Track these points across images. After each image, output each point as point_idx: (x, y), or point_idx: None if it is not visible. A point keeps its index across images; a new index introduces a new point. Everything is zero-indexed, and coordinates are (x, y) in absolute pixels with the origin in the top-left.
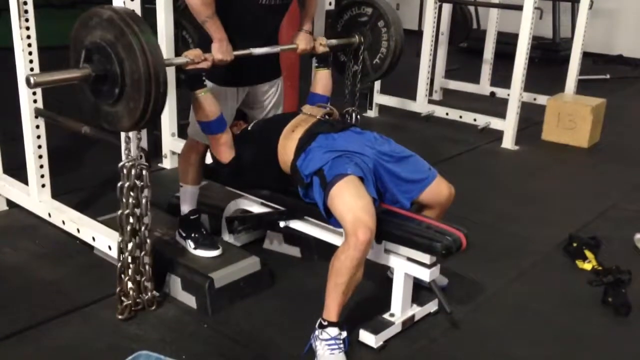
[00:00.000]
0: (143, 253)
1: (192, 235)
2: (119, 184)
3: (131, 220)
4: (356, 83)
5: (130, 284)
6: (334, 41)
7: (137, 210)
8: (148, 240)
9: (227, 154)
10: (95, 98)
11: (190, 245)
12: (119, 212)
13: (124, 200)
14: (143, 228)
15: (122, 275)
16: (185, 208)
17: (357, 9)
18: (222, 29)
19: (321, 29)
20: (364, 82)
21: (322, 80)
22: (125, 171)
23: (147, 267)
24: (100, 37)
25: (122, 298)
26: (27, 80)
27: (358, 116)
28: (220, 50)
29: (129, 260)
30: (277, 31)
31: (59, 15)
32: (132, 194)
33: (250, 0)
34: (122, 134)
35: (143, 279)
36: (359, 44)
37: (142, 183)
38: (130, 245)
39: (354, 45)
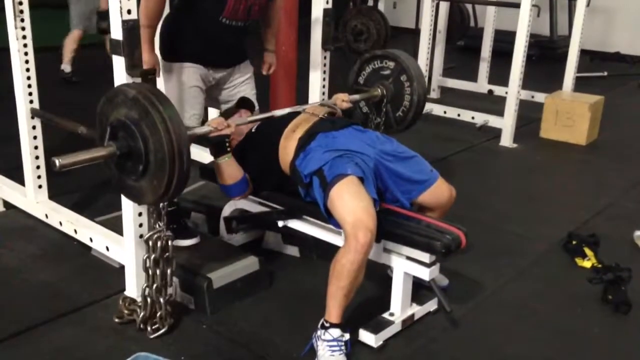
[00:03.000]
0: (165, 323)
1: (170, 226)
2: (144, 257)
3: (161, 293)
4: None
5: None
6: (356, 96)
7: (162, 282)
8: (169, 308)
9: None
10: (119, 173)
11: None
12: (144, 285)
13: (150, 273)
14: (165, 299)
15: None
16: None
17: (380, 62)
18: (150, 44)
19: (319, 28)
20: (387, 134)
21: None
22: (150, 243)
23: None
24: (125, 115)
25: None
26: (53, 164)
27: None
28: (146, 62)
29: (152, 330)
30: (241, 45)
31: (56, 15)
32: (158, 266)
33: (212, 18)
34: (146, 206)
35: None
36: (382, 96)
37: (167, 254)
38: (157, 315)
39: (376, 98)
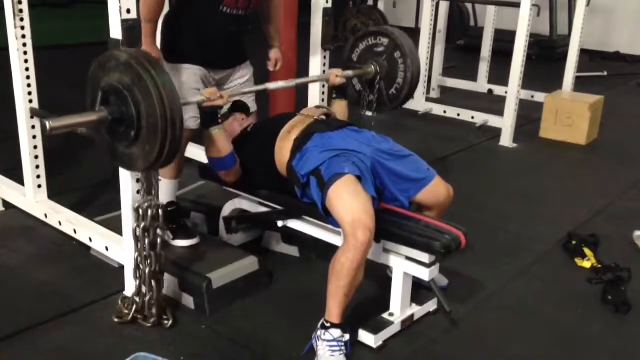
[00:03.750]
0: (158, 294)
1: (170, 226)
2: (134, 226)
3: (148, 262)
4: (372, 112)
5: (144, 319)
6: (350, 72)
7: (152, 252)
8: (163, 281)
9: (236, 179)
10: (111, 139)
11: (169, 236)
12: (135, 254)
13: (139, 242)
14: (158, 268)
15: (137, 315)
16: (162, 200)
17: (374, 39)
18: (152, 38)
19: (319, 27)
20: (380, 111)
21: (339, 111)
22: (141, 212)
23: (165, 308)
24: (118, 80)
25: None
26: (43, 126)
27: None
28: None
29: (145, 303)
30: (239, 36)
31: (55, 14)
32: (147, 235)
33: (211, 7)
34: (137, 174)
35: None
36: (375, 73)
37: (158, 224)
38: (144, 288)
39: (369, 75)
